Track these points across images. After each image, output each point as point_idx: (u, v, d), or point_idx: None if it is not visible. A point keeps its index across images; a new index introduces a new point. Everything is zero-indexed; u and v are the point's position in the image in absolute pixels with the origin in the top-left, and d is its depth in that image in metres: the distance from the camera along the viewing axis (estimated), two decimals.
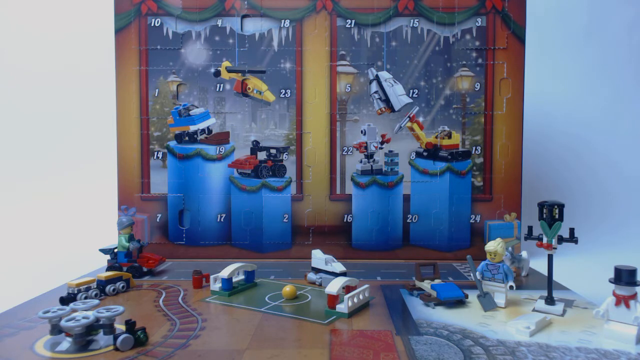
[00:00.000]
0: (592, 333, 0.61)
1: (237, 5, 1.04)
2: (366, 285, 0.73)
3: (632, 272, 0.59)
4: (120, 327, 0.60)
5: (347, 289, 0.71)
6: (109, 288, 0.77)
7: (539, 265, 0.92)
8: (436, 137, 1.05)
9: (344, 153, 1.06)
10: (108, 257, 0.91)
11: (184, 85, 1.06)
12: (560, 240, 0.70)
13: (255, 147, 1.06)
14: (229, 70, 1.05)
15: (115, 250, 0.90)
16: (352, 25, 1.05)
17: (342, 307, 0.67)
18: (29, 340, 0.59)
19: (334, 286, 0.69)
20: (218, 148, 1.06)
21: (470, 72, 1.05)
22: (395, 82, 1.05)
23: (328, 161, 1.06)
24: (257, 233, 1.06)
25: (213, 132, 1.06)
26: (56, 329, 0.58)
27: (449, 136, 1.05)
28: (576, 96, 1.38)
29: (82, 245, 1.10)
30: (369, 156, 1.06)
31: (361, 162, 1.06)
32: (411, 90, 1.05)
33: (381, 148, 1.06)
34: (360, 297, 0.71)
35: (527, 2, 1.04)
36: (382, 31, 1.05)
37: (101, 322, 0.58)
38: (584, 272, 0.97)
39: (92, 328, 0.58)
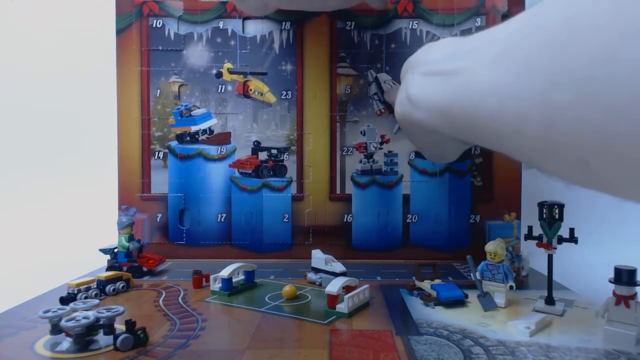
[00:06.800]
0: (592, 333, 0.61)
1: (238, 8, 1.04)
2: (366, 285, 0.73)
3: (632, 272, 0.59)
4: (120, 327, 0.60)
5: (347, 288, 0.71)
6: (109, 288, 0.77)
7: (539, 265, 0.92)
8: None
9: (344, 153, 1.06)
10: (108, 257, 0.91)
11: (185, 86, 1.06)
12: (560, 240, 0.70)
13: (257, 148, 1.06)
14: (231, 72, 1.05)
15: (115, 250, 0.91)
16: (352, 28, 1.06)
17: (342, 307, 0.67)
18: (29, 340, 0.59)
19: (334, 286, 0.69)
20: (219, 148, 1.06)
21: None
22: (394, 83, 1.05)
23: (328, 161, 1.06)
24: (257, 233, 1.06)
25: (214, 133, 1.07)
26: (56, 329, 0.58)
27: None
28: None
29: (82, 245, 1.10)
30: (369, 156, 1.06)
31: (361, 162, 1.06)
32: None
33: (381, 148, 1.06)
34: (360, 297, 0.71)
35: (526, 3, 1.04)
36: (381, 33, 1.05)
37: (101, 322, 0.58)
38: (584, 272, 0.97)
39: (92, 328, 0.58)
